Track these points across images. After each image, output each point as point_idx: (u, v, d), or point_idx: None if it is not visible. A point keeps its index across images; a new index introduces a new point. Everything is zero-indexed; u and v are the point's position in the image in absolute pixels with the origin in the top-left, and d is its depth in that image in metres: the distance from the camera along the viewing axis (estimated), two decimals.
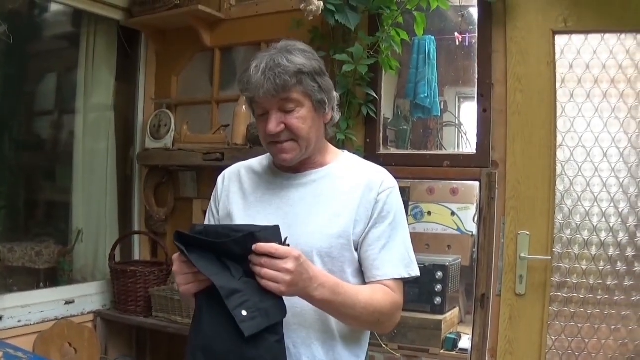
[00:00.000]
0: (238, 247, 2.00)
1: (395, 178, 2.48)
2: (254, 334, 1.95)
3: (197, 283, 2.05)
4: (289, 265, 1.98)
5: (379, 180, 2.41)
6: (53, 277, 5.00)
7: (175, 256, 2.09)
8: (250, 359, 1.97)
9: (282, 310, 2.05)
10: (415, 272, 2.41)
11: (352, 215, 2.35)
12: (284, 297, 2.06)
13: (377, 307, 2.28)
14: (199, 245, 2.02)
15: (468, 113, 6.03)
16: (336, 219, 2.34)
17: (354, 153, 2.66)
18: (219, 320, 1.99)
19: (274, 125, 2.28)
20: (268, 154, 2.57)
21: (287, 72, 2.23)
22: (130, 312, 4.83)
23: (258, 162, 2.63)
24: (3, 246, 4.67)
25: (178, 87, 5.39)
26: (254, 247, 1.98)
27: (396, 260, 2.37)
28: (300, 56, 2.29)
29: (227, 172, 2.67)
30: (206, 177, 5.03)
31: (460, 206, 5.90)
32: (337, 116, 2.51)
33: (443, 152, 5.45)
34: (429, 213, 5.89)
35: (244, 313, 1.95)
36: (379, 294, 2.31)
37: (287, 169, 2.47)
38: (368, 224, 2.36)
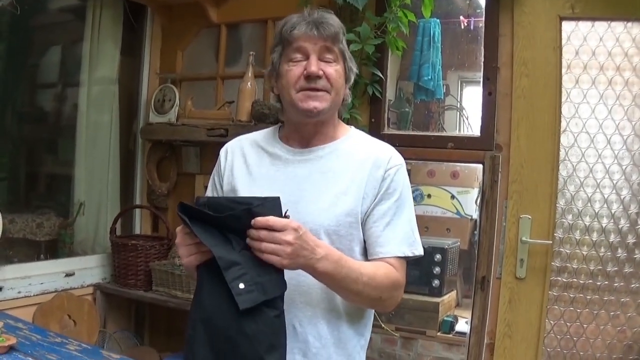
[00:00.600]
0: (236, 221, 2.01)
1: None
2: (252, 308, 1.96)
3: (199, 254, 2.06)
4: (289, 237, 1.99)
5: (387, 157, 2.41)
6: (53, 249, 5.00)
7: (179, 228, 2.09)
8: (249, 333, 1.98)
9: (281, 285, 2.06)
10: (419, 251, 2.40)
11: (359, 193, 2.34)
12: (286, 272, 2.07)
13: (379, 283, 2.28)
14: (202, 218, 2.02)
15: (470, 97, 6.05)
16: (344, 196, 2.34)
17: None
18: (218, 293, 2.00)
19: (315, 66, 2.29)
20: (273, 127, 2.58)
21: (335, 25, 2.31)
22: (130, 286, 4.83)
23: (262, 136, 2.60)
24: (4, 217, 4.68)
25: (183, 63, 5.38)
26: (252, 222, 1.99)
27: (400, 238, 2.36)
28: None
29: (230, 146, 2.64)
30: (209, 152, 5.02)
31: (460, 190, 5.94)
32: (349, 98, 2.52)
33: (447, 134, 5.45)
34: (429, 196, 5.93)
35: (241, 286, 1.96)
36: (381, 270, 2.30)
37: (294, 144, 2.47)
38: (374, 200, 2.35)
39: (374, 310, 2.57)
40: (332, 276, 2.16)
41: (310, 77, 2.29)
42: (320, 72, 2.29)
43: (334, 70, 2.32)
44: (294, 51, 2.33)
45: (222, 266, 1.96)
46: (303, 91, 2.32)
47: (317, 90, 2.31)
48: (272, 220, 1.99)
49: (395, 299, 2.40)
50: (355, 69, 2.46)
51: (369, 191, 2.35)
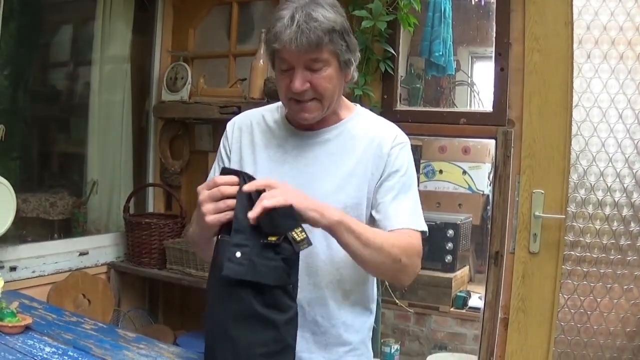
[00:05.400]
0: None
1: (411, 135, 2.49)
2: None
3: (224, 216, 2.04)
4: (267, 181, 2.05)
5: (392, 136, 2.41)
6: (67, 228, 5.02)
7: (221, 179, 2.07)
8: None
9: (277, 278, 1.99)
10: (424, 227, 2.39)
11: (366, 173, 2.36)
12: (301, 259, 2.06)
13: (395, 242, 2.24)
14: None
15: (481, 72, 6.05)
16: (350, 178, 2.35)
17: (370, 109, 2.69)
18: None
19: (300, 83, 2.21)
20: (278, 104, 2.54)
21: (321, 29, 2.14)
22: (144, 264, 4.84)
23: (269, 113, 2.57)
24: (17, 197, 4.69)
25: (195, 40, 5.36)
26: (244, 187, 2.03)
27: (407, 211, 2.35)
28: (331, 11, 2.20)
29: (238, 121, 2.63)
30: (222, 130, 4.89)
31: (471, 165, 5.95)
32: (356, 75, 2.45)
33: (460, 109, 5.45)
34: (441, 171, 5.94)
35: (238, 255, 1.94)
36: (394, 234, 2.29)
37: (301, 126, 2.44)
38: (380, 178, 2.36)
39: (376, 291, 2.60)
40: (349, 231, 2.12)
41: (295, 93, 2.25)
42: (306, 86, 2.22)
43: (322, 78, 2.23)
44: (280, 61, 2.27)
45: (234, 227, 1.97)
46: (293, 100, 2.29)
47: (306, 101, 2.27)
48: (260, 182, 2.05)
49: (416, 266, 2.34)
50: (356, 53, 2.36)
51: (374, 170, 2.36)
